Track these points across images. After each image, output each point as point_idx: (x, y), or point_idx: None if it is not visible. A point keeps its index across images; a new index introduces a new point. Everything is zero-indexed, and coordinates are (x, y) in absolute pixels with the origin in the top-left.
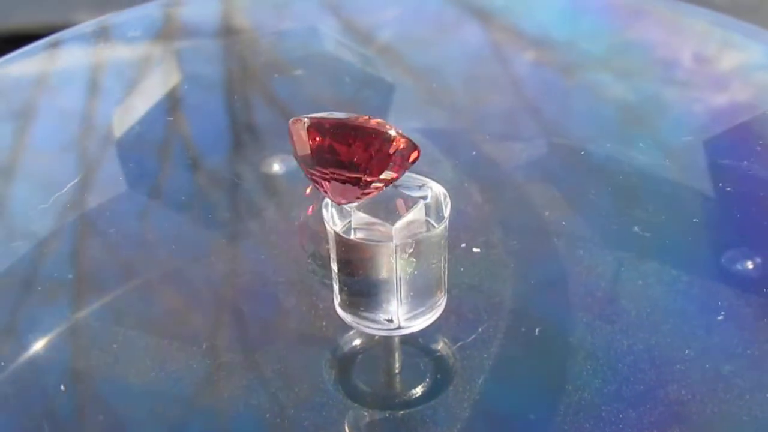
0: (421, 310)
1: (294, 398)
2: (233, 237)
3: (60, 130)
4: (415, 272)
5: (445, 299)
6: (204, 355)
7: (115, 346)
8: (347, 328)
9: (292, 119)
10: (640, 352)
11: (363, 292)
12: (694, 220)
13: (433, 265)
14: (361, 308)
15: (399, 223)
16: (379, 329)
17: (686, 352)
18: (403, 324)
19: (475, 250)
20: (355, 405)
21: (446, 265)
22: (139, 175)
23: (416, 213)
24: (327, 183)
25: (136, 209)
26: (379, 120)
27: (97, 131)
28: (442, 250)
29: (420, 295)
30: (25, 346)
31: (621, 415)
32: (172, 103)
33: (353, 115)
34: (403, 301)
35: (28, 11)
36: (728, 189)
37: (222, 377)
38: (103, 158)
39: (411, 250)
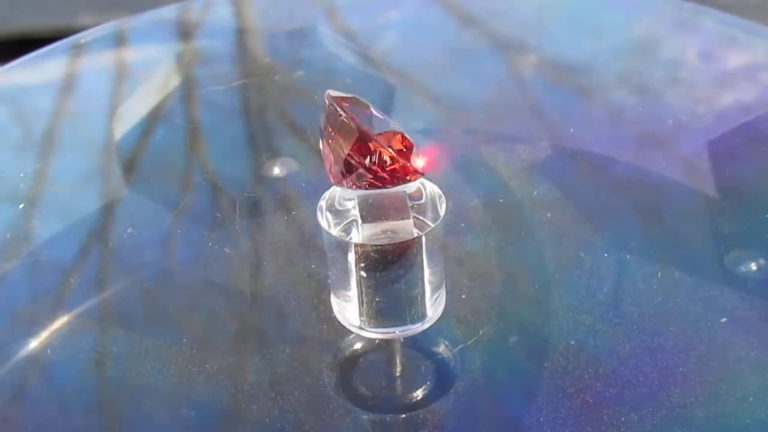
0: (389, 318)
1: (295, 402)
2: (235, 240)
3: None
4: (384, 277)
5: (431, 313)
6: (205, 360)
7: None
8: (348, 332)
9: (330, 94)
10: (642, 355)
11: (335, 283)
12: (698, 222)
13: (411, 277)
14: (338, 298)
15: (368, 225)
16: (348, 324)
17: (689, 354)
18: (364, 326)
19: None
20: (356, 408)
21: (432, 280)
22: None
23: (400, 225)
24: (332, 158)
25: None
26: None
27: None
28: (422, 263)
29: (390, 304)
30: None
31: (623, 419)
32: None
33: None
34: (366, 303)
35: (33, 14)
36: (732, 190)
37: (223, 381)
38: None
39: (377, 256)
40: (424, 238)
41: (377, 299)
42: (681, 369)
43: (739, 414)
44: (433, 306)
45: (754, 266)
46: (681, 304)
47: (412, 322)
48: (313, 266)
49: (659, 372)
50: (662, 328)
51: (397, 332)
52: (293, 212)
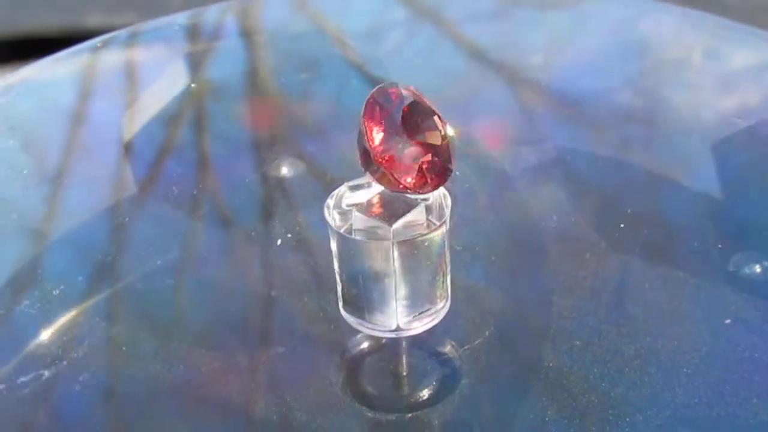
0: (359, 312)
1: (302, 401)
2: (242, 241)
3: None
4: (352, 271)
5: (406, 324)
6: (212, 358)
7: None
8: (355, 331)
9: (384, 85)
10: (646, 356)
11: (340, 278)
12: (702, 223)
13: (378, 281)
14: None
15: (359, 217)
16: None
17: (693, 355)
18: (342, 313)
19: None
20: (363, 408)
21: (411, 291)
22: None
23: (381, 228)
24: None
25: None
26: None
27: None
28: (390, 266)
29: (357, 299)
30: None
31: (628, 419)
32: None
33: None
34: (342, 291)
35: (40, 13)
36: (736, 192)
37: (229, 380)
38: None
39: (346, 247)
40: (396, 248)
41: (353, 291)
42: (685, 370)
43: (742, 414)
44: (417, 317)
45: (758, 268)
46: (685, 305)
47: (381, 324)
48: (321, 266)
49: (663, 373)
50: (666, 329)
51: (361, 326)
52: (301, 212)
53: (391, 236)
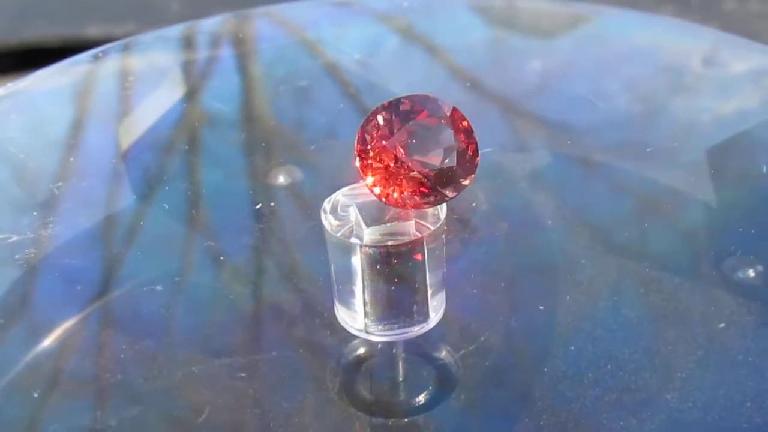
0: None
1: (298, 406)
2: (239, 246)
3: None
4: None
5: (373, 328)
6: (209, 363)
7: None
8: (351, 336)
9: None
10: (641, 360)
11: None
12: (696, 227)
13: (352, 278)
14: (339, 298)
15: (355, 209)
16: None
17: (687, 359)
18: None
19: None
20: (359, 413)
21: (375, 299)
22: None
23: (358, 220)
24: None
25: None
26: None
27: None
28: (358, 267)
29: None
30: None
31: (622, 423)
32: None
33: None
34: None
35: (40, 24)
36: (730, 196)
37: (226, 386)
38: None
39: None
40: (362, 251)
41: (334, 285)
42: (679, 374)
43: (736, 418)
44: (388, 324)
45: (752, 273)
46: (679, 309)
47: (351, 322)
48: (318, 270)
49: (658, 377)
50: (661, 333)
51: (339, 320)
52: (297, 219)
53: (363, 238)
